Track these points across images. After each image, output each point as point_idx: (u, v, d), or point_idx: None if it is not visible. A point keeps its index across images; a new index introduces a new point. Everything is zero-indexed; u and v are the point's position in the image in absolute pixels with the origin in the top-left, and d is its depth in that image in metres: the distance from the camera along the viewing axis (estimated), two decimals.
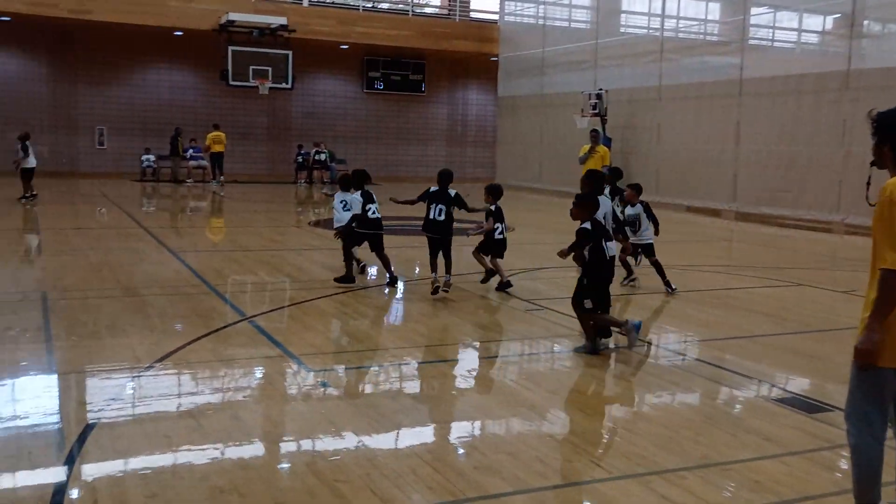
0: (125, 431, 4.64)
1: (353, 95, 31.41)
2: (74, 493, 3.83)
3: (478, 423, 5.10)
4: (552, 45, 26.43)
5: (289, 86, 26.24)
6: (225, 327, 7.12)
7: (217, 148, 24.56)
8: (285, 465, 4.31)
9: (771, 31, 22.67)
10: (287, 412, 5.13)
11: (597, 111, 22.38)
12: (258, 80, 25.34)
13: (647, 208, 9.51)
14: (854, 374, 3.45)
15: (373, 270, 9.90)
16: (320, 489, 3.94)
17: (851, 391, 3.50)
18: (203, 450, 4.42)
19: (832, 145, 16.80)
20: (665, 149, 21.70)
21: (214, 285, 8.93)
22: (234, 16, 24.71)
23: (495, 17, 30.34)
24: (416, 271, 10.23)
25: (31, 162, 17.45)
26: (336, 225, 9.20)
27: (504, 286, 8.98)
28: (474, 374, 6.23)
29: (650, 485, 4.07)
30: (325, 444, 4.59)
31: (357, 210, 8.85)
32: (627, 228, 9.13)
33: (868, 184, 3.72)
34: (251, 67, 25.08)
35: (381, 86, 31.62)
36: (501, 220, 9.06)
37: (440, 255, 8.63)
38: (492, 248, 9.02)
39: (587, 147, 16.24)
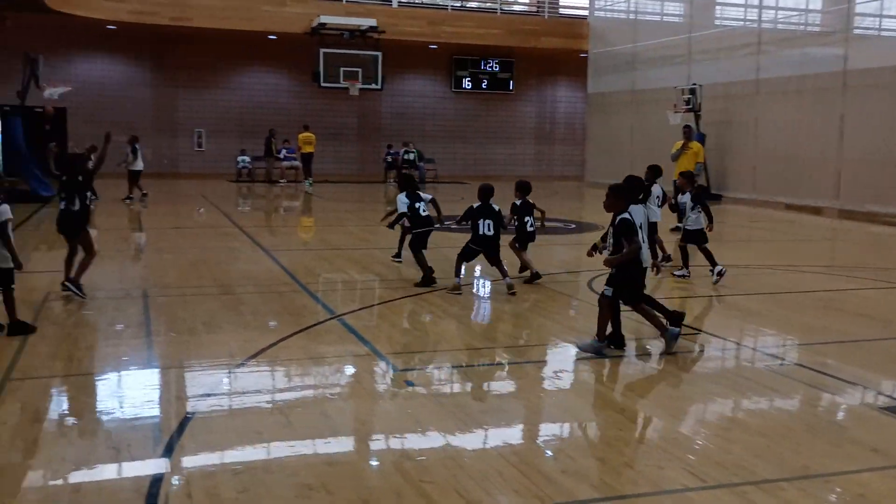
0: (218, 426, 4.77)
1: (441, 95, 31.57)
2: (170, 486, 3.94)
3: (565, 426, 5.01)
4: (644, 39, 25.88)
5: (378, 86, 26.58)
6: (315, 325, 7.24)
7: (307, 149, 25.12)
8: (372, 464, 4.33)
9: (878, 19, 21.55)
10: (374, 410, 5.17)
11: (690, 107, 21.80)
12: (349, 82, 25.77)
13: (697, 197, 9.57)
14: None
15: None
16: (406, 489, 3.94)
17: None
18: (292, 446, 4.49)
19: None
20: (763, 145, 20.93)
21: (305, 283, 9.10)
22: (325, 18, 25.21)
23: (585, 12, 29.93)
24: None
25: (139, 164, 18.34)
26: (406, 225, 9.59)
27: (534, 278, 9.24)
28: (562, 375, 6.13)
29: (746, 496, 3.90)
30: (412, 443, 4.60)
31: (402, 209, 9.32)
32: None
33: None
34: (342, 69, 25.54)
35: (469, 85, 31.67)
36: (530, 214, 9.40)
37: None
38: (523, 239, 9.45)
39: (680, 143, 15.80)
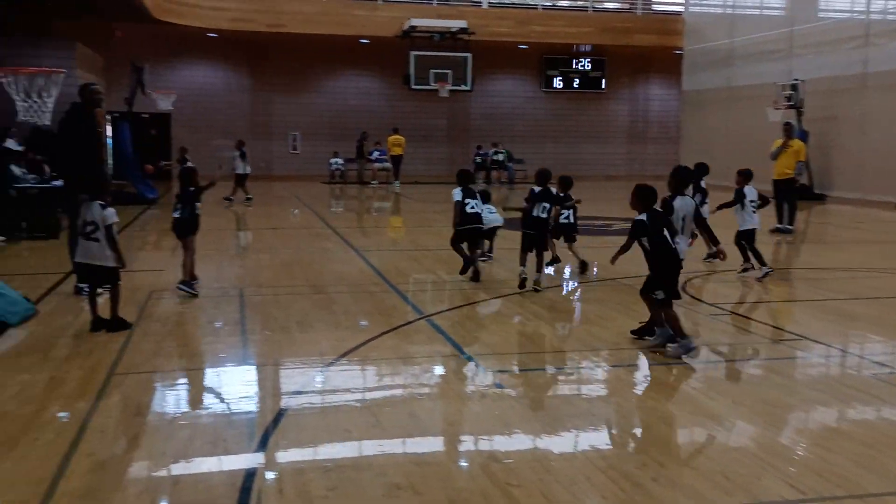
0: (310, 423, 4.86)
1: (531, 95, 31.41)
2: (262, 481, 4.04)
3: (656, 432, 4.88)
4: (742, 34, 25.07)
5: (468, 87, 26.66)
6: (404, 325, 7.30)
7: (396, 151, 25.45)
8: (459, 465, 4.32)
9: None
10: (462, 411, 5.17)
11: (791, 103, 20.98)
12: (439, 83, 25.95)
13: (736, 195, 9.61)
14: None
15: (553, 269, 9.80)
16: (493, 491, 3.92)
17: None
18: (381, 445, 4.53)
19: None
20: (871, 141, 19.94)
21: (395, 284, 9.19)
22: (416, 21, 25.45)
23: (680, 8, 29.23)
24: (595, 272, 10.02)
25: (246, 168, 19.02)
26: (487, 225, 9.86)
27: (582, 267, 9.76)
28: (652, 380, 5.99)
29: None
30: (499, 445, 4.58)
31: (458, 198, 9.57)
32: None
33: None
34: (432, 71, 25.74)
35: (560, 84, 31.40)
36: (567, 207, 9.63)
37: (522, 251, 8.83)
38: (560, 231, 9.80)
39: (780, 141, 15.19)
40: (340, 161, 27.68)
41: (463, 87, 26.57)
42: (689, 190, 8.07)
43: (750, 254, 9.70)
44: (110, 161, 20.25)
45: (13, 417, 4.83)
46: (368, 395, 5.46)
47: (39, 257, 10.79)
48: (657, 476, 4.10)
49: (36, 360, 6.01)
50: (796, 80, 21.21)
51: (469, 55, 26.00)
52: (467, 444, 4.65)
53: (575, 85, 31.53)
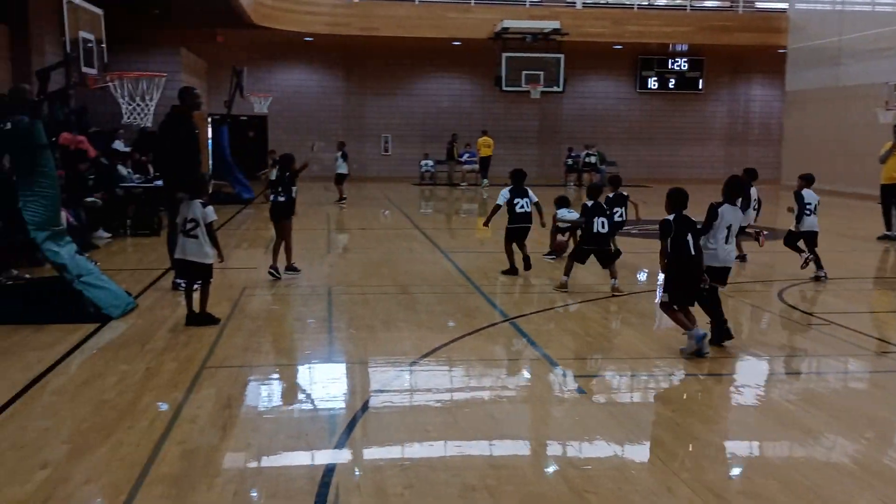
0: (390, 421, 4.91)
1: (625, 96, 30.88)
2: (341, 476, 4.10)
3: (744, 444, 4.72)
4: (851, 31, 23.94)
5: (560, 89, 26.42)
6: (487, 327, 7.29)
7: (485, 152, 25.52)
8: (536, 470, 4.28)
9: None
10: (541, 415, 5.12)
11: None
12: (530, 85, 25.82)
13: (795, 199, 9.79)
14: None
15: (633, 276, 9.61)
16: (569, 497, 3.87)
17: None
18: (458, 446, 4.54)
19: None
20: None
21: (480, 285, 9.20)
22: (508, 23, 25.41)
23: (784, 5, 28.16)
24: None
25: (344, 168, 19.49)
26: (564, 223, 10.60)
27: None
28: (744, 390, 5.78)
29: None
30: (577, 451, 4.52)
31: (500, 202, 9.90)
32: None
33: None
34: (523, 72, 25.63)
35: (654, 85, 30.76)
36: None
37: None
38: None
39: (889, 144, 14.43)
40: (430, 163, 27.89)
41: (555, 89, 26.35)
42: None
43: (809, 255, 9.84)
44: (210, 162, 21.06)
45: (112, 405, 5.06)
46: (448, 396, 5.48)
47: (142, 254, 11.29)
48: (744, 490, 3.96)
49: (134, 351, 6.29)
50: None
51: (561, 56, 25.77)
52: (545, 448, 4.60)
53: (671, 85, 30.82)
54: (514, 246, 9.90)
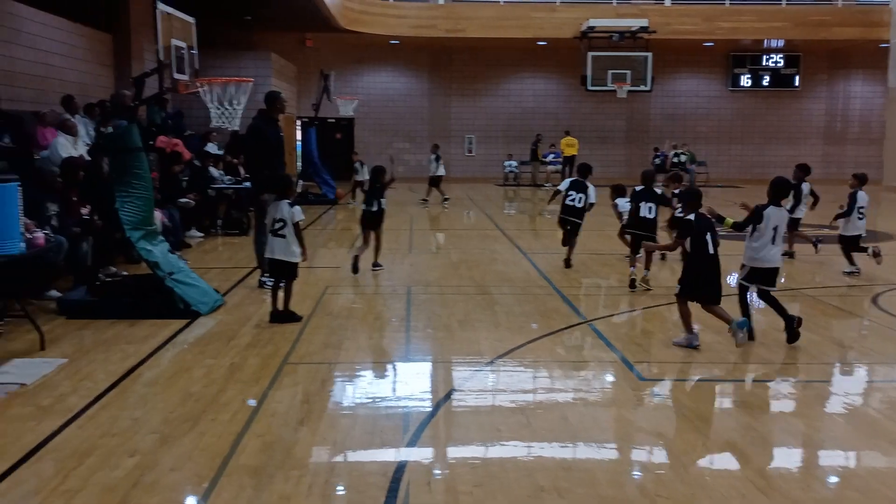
0: (462, 420, 4.97)
1: (716, 94, 30.11)
2: (412, 473, 4.17)
3: (825, 452, 4.57)
4: None
5: (647, 88, 25.99)
6: (565, 329, 7.26)
7: (570, 151, 25.39)
8: (607, 472, 4.24)
9: None
10: (615, 418, 5.07)
11: None
12: (616, 84, 25.49)
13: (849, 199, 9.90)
14: None
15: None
16: (640, 501, 3.83)
17: None
18: (530, 447, 4.55)
19: None
20: None
21: (560, 287, 9.15)
22: (594, 22, 25.14)
23: None
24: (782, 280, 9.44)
25: (441, 170, 19.71)
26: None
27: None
28: (830, 397, 5.58)
29: None
30: (651, 455, 4.46)
31: (561, 189, 10.46)
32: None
33: None
34: (610, 71, 25.33)
35: (747, 83, 29.87)
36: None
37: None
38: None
39: None
40: (514, 164, 27.85)
41: (642, 88, 25.94)
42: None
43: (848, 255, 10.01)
44: (298, 163, 21.61)
45: (197, 398, 5.29)
46: (522, 397, 5.49)
47: (231, 252, 11.70)
48: (821, 498, 3.84)
49: (220, 346, 6.54)
50: None
51: (649, 54, 25.35)
52: (618, 451, 4.56)
53: (764, 83, 29.87)
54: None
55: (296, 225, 7.27)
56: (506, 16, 26.33)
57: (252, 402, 5.18)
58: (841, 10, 27.38)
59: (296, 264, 7.36)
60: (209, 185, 13.38)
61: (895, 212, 9.65)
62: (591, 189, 10.30)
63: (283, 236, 7.25)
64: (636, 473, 4.20)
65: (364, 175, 19.47)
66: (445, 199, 19.74)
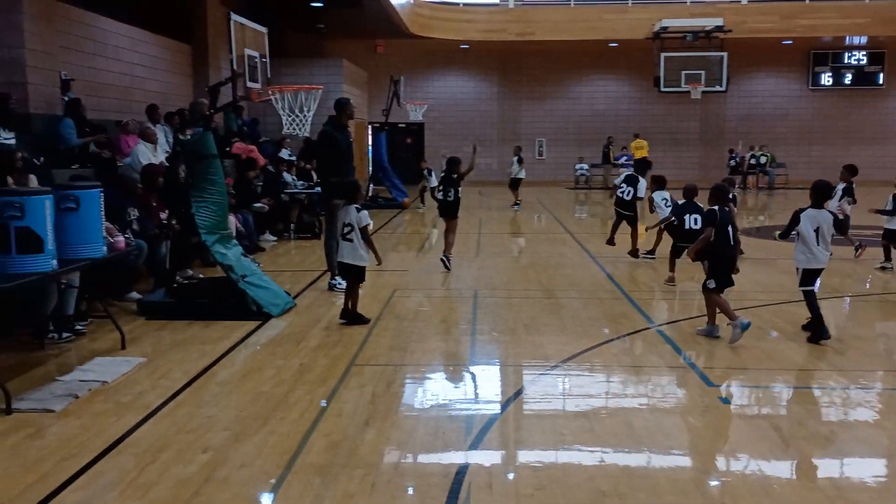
0: (525, 424, 4.98)
1: (795, 94, 29.23)
2: (473, 475, 4.20)
3: None
4: None
5: (723, 88, 25.41)
6: (632, 333, 7.18)
7: (640, 153, 25.13)
8: (670, 479, 4.19)
9: None
10: (681, 425, 5.00)
11: None
12: (690, 85, 25.01)
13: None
14: None
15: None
16: None
17: None
18: (592, 451, 4.53)
19: None
20: None
21: (628, 291, 9.05)
22: (667, 22, 24.74)
23: None
24: (867, 285, 9.17)
25: (521, 173, 19.82)
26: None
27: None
28: None
29: None
30: (718, 463, 4.39)
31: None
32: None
33: None
34: (683, 72, 24.87)
35: (828, 81, 28.92)
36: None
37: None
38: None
39: None
40: (585, 167, 27.61)
41: (717, 88, 25.37)
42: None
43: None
44: (369, 168, 21.91)
45: (268, 397, 5.44)
46: (586, 401, 5.46)
47: (303, 256, 11.95)
48: None
49: (290, 347, 6.70)
50: None
51: (724, 54, 24.78)
52: (683, 458, 4.50)
53: (846, 81, 28.85)
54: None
55: (363, 230, 7.39)
56: (576, 18, 26.15)
57: (324, 403, 5.29)
58: None
59: (363, 268, 7.49)
60: (282, 190, 13.70)
61: None
62: (641, 183, 11.11)
63: (351, 240, 7.39)
64: (701, 480, 4.13)
65: (433, 182, 19.67)
66: (516, 204, 19.75)
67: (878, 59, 28.57)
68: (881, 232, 10.46)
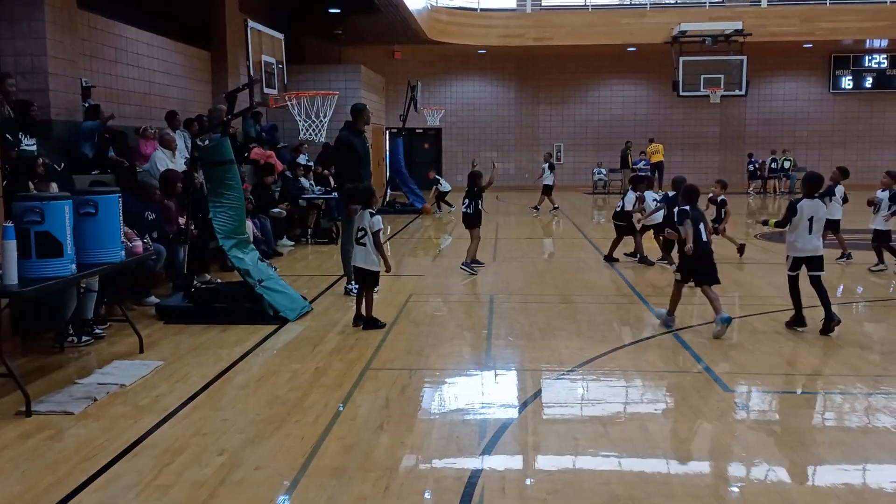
0: (539, 428, 4.97)
1: (816, 97, 29.02)
2: (487, 478, 4.20)
3: None
4: None
5: (742, 92, 25.23)
6: (648, 338, 7.15)
7: (656, 158, 25.13)
8: (685, 484, 4.16)
9: None
10: (697, 430, 4.97)
11: None
12: (710, 89, 24.87)
13: (893, 198, 10.18)
14: None
15: None
16: None
17: None
18: (606, 456, 4.51)
19: None
20: None
21: (645, 295, 9.02)
22: (686, 26, 24.62)
23: None
24: (892, 289, 9.07)
25: (550, 179, 19.89)
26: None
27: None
28: None
29: None
30: (733, 469, 4.37)
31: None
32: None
33: None
34: (702, 76, 24.73)
35: (849, 85, 28.68)
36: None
37: None
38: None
39: None
40: (604, 171, 27.54)
41: (737, 92, 25.19)
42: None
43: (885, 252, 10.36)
44: (386, 173, 21.97)
45: (283, 401, 5.47)
46: (601, 406, 5.45)
47: (320, 261, 12.00)
48: None
49: (306, 351, 6.74)
50: None
51: (744, 58, 24.60)
52: (698, 464, 4.47)
53: (867, 85, 28.60)
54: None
55: (375, 234, 7.42)
56: (594, 22, 26.11)
57: (342, 408, 5.30)
58: None
59: (376, 272, 7.52)
60: (300, 196, 13.78)
61: None
62: (629, 196, 11.52)
63: (364, 245, 7.43)
64: (716, 486, 4.10)
65: (445, 187, 19.79)
66: (535, 208, 19.81)
67: None
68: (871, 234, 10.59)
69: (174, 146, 10.79)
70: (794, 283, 7.31)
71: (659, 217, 10.83)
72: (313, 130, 10.42)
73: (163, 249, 8.46)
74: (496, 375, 6.22)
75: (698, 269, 7.34)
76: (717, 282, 7.35)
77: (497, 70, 29.09)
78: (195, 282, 8.55)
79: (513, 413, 5.23)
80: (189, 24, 15.54)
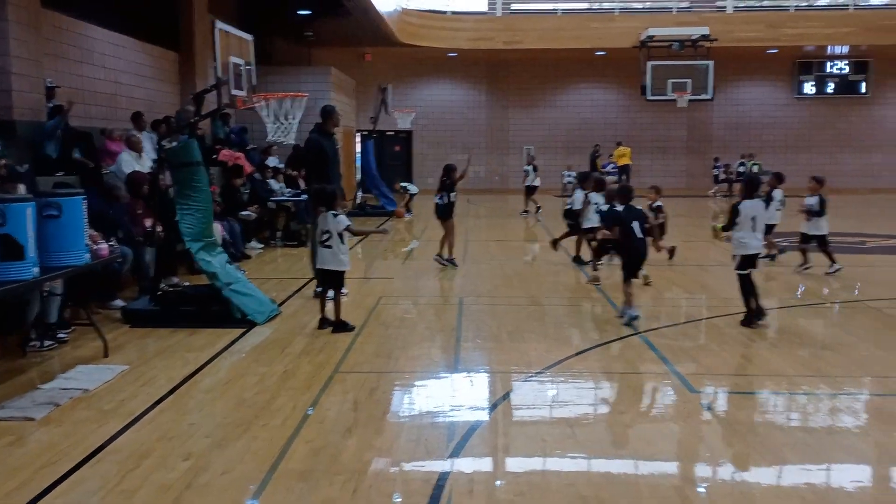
0: (507, 430, 4.99)
1: (782, 102, 29.48)
2: (454, 481, 4.21)
3: (883, 469, 4.43)
4: None
5: (709, 96, 25.58)
6: (615, 340, 7.21)
7: (623, 161, 25.49)
8: (651, 485, 4.21)
9: None
10: (662, 431, 5.02)
11: None
12: (677, 93, 25.17)
13: (821, 203, 10.38)
14: None
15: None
16: None
17: None
18: (574, 458, 4.54)
19: None
20: None
21: (613, 298, 9.08)
22: (654, 31, 24.91)
23: None
24: (856, 292, 9.24)
25: (536, 181, 20.17)
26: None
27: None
28: (887, 413, 5.41)
29: None
30: (698, 470, 4.42)
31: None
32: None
33: None
34: (670, 81, 25.02)
35: (813, 90, 29.17)
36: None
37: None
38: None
39: None
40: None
41: (703, 97, 25.54)
42: None
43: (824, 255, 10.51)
44: (358, 175, 21.91)
45: (250, 404, 5.43)
46: (568, 408, 5.48)
47: (290, 263, 11.93)
48: None
49: (274, 354, 6.69)
50: None
51: (710, 63, 24.95)
52: (663, 465, 4.52)
53: (829, 90, 29.11)
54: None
55: (347, 230, 7.39)
56: (563, 27, 26.29)
57: (310, 411, 5.28)
58: None
59: (342, 273, 7.49)
60: (269, 198, 13.69)
61: None
62: (577, 195, 11.28)
63: (330, 247, 7.39)
64: (681, 487, 4.15)
65: (413, 189, 19.86)
66: (525, 212, 20.07)
67: (862, 68, 28.87)
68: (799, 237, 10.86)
69: (141, 148, 10.68)
70: (746, 280, 7.52)
71: (595, 221, 10.46)
72: (282, 132, 10.37)
73: (129, 252, 8.36)
74: (465, 378, 6.23)
75: (630, 265, 7.73)
76: (637, 277, 7.92)
77: (467, 73, 29.16)
78: (162, 285, 8.46)
79: (481, 415, 5.24)
80: (156, 25, 15.38)
